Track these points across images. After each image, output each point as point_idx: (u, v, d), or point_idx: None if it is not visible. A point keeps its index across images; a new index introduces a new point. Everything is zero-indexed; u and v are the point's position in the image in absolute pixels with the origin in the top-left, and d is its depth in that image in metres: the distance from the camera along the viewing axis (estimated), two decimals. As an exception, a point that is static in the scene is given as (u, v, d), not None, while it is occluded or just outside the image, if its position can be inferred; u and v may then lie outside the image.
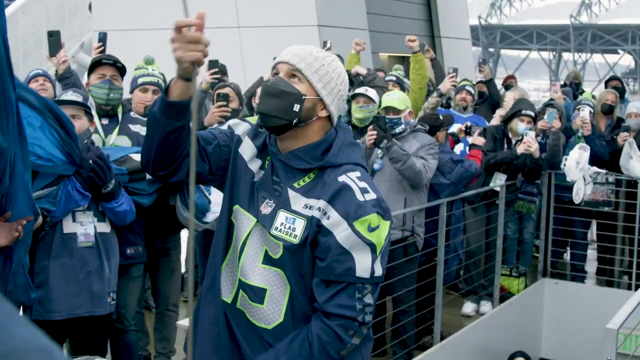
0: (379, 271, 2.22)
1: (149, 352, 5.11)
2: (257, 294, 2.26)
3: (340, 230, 2.17)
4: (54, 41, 5.42)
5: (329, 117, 2.33)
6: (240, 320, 2.32)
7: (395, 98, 5.47)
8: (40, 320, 3.76)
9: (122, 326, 4.36)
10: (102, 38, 5.62)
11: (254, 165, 2.35)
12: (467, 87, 7.35)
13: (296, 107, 2.23)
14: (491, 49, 60.66)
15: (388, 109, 5.42)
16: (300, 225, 2.20)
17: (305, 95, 2.25)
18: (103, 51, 5.55)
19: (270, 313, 2.26)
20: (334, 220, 2.17)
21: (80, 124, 3.97)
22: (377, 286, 2.26)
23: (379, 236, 2.20)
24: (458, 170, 5.72)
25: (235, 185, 2.34)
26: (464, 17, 12.83)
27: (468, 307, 6.88)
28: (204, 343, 2.39)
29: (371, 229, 2.18)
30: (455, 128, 6.93)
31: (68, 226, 3.85)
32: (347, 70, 6.92)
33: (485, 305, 6.85)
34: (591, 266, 7.99)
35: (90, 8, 11.98)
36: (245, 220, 2.30)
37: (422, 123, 5.65)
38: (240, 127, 2.42)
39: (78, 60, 15.27)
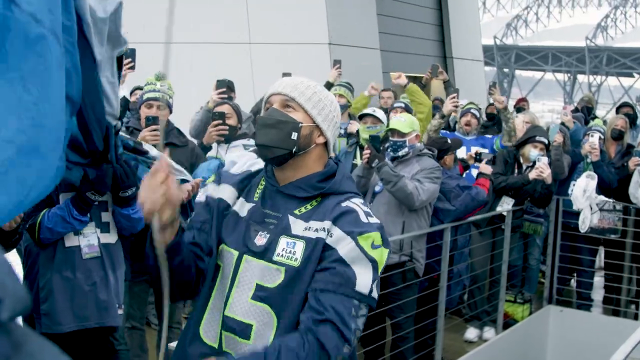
0: (375, 294, 2.17)
1: (146, 369, 5.08)
2: (244, 330, 2.21)
3: (344, 245, 2.14)
4: None
5: (325, 145, 2.33)
6: None
7: (401, 121, 5.43)
8: (49, 334, 3.73)
9: (112, 346, 4.31)
10: (131, 54, 5.60)
11: (238, 205, 2.35)
12: (472, 111, 7.27)
13: (294, 136, 2.23)
14: (506, 70, 60.56)
15: (393, 131, 5.39)
16: (300, 247, 2.18)
17: (302, 123, 2.26)
18: (133, 67, 5.56)
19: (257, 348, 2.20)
20: (337, 237, 2.16)
21: None
22: (366, 312, 2.18)
23: (381, 255, 2.18)
24: (465, 198, 5.64)
25: (221, 229, 2.32)
26: (476, 38, 12.80)
27: (471, 333, 6.79)
28: None
29: (374, 246, 2.16)
30: (464, 154, 6.88)
31: (70, 240, 3.80)
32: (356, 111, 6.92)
33: (489, 332, 6.76)
34: (598, 294, 7.89)
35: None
36: (230, 256, 2.27)
37: (429, 147, 5.60)
38: (213, 185, 2.43)
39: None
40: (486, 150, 6.89)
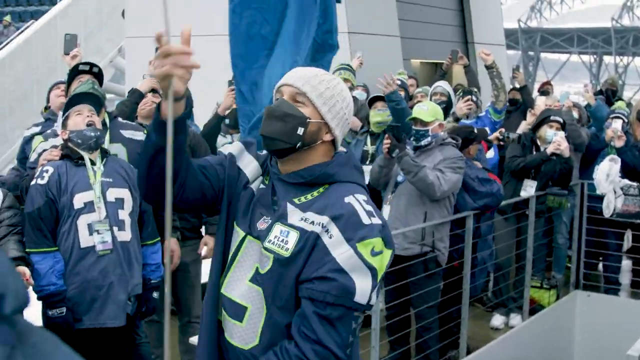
0: (373, 300, 2.13)
1: (164, 362, 5.08)
2: (238, 312, 2.21)
3: (341, 252, 2.07)
4: (70, 42, 5.49)
5: (333, 142, 2.28)
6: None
7: (424, 110, 5.34)
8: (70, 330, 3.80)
9: (133, 340, 4.35)
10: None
11: (256, 184, 2.33)
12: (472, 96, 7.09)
13: (300, 131, 2.18)
14: (531, 53, 59.88)
15: (416, 120, 5.32)
16: (293, 238, 2.13)
17: (310, 119, 2.20)
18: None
19: (248, 333, 2.20)
20: (335, 240, 2.08)
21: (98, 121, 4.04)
22: (362, 318, 2.17)
23: (381, 262, 2.11)
24: (488, 201, 5.59)
25: (234, 203, 2.31)
26: (498, 22, 12.64)
27: (497, 320, 6.75)
28: None
29: (374, 253, 2.09)
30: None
31: (85, 240, 3.84)
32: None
33: (515, 318, 6.72)
34: (625, 278, 7.80)
35: (123, 15, 12.05)
36: (236, 236, 2.27)
37: (453, 136, 5.51)
38: (238, 150, 2.40)
39: (116, 65, 15.38)
40: (487, 129, 6.77)
